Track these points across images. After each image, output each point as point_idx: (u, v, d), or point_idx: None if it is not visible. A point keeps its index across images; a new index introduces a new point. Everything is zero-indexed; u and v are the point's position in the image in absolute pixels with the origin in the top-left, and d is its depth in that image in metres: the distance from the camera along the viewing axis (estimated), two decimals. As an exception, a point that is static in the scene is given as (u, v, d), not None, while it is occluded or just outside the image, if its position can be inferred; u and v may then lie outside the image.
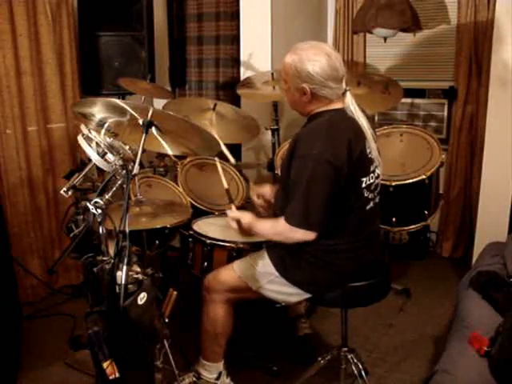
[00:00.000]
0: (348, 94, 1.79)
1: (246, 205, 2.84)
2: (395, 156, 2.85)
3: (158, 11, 3.56)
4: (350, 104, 1.79)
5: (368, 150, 1.82)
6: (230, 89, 3.73)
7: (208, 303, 2.04)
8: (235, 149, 3.68)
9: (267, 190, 2.15)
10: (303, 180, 1.70)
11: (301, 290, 1.89)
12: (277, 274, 1.89)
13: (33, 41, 2.87)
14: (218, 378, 2.11)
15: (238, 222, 1.95)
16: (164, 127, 1.75)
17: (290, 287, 1.89)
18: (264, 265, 1.93)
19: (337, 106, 1.81)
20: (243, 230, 1.96)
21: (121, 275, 1.48)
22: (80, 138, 1.77)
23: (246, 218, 1.93)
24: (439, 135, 3.51)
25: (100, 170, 2.05)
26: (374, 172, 1.85)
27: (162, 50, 3.99)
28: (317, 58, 1.72)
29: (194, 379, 2.12)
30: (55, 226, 3.13)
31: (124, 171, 1.64)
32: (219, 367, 2.11)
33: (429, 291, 3.15)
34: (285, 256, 1.88)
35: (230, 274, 2.00)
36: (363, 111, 1.86)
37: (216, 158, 2.35)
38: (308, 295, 1.92)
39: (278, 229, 1.80)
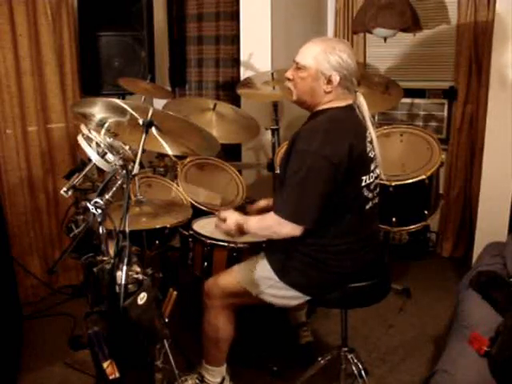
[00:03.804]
0: (359, 94, 1.83)
1: (246, 205, 2.84)
2: (395, 156, 2.85)
3: (158, 11, 3.56)
4: (362, 102, 1.82)
5: (369, 149, 1.82)
6: (230, 89, 3.73)
7: (209, 309, 2.03)
8: (235, 149, 3.69)
9: (265, 203, 2.17)
10: (298, 174, 1.70)
11: (301, 293, 1.88)
12: (276, 278, 1.88)
13: (33, 41, 2.87)
14: (221, 383, 2.10)
15: (225, 221, 1.94)
16: (164, 127, 1.75)
17: (289, 291, 1.88)
18: (263, 269, 1.92)
19: (345, 102, 1.82)
20: (234, 229, 1.93)
21: (121, 275, 1.48)
22: (80, 138, 1.77)
23: (233, 216, 1.93)
24: (439, 135, 3.51)
25: (100, 170, 2.05)
26: (373, 171, 1.85)
27: (162, 49, 3.99)
28: (346, 52, 1.76)
29: (197, 381, 2.12)
30: (55, 226, 3.13)
31: (124, 171, 1.64)
32: (222, 372, 2.11)
33: (429, 291, 3.15)
34: (284, 260, 1.87)
35: (229, 279, 1.98)
36: None
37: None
38: (308, 298, 1.91)
39: (265, 222, 1.80)
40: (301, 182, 1.69)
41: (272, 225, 1.76)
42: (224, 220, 1.95)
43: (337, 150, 1.69)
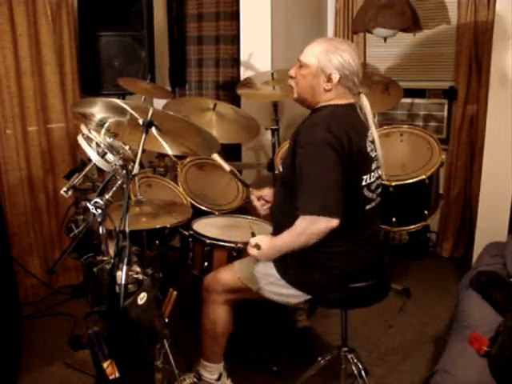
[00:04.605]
0: (363, 95, 1.85)
1: (246, 204, 2.84)
2: (395, 156, 2.85)
3: (158, 11, 3.56)
4: (365, 104, 1.84)
5: (369, 149, 1.83)
6: (230, 89, 3.73)
7: (208, 304, 2.04)
8: (235, 149, 3.69)
9: (267, 192, 2.15)
10: (311, 167, 1.69)
11: (301, 292, 1.88)
12: (277, 275, 1.88)
13: (33, 41, 2.87)
14: (218, 379, 2.10)
15: (258, 246, 1.88)
16: (164, 127, 1.75)
17: (289, 289, 1.88)
18: (265, 266, 1.92)
19: (346, 101, 1.83)
20: (272, 252, 1.88)
21: (121, 275, 1.48)
22: (80, 138, 1.77)
23: (265, 239, 1.89)
24: (439, 135, 3.51)
25: (100, 170, 2.05)
26: (374, 171, 1.85)
27: (162, 49, 3.99)
28: (350, 53, 1.77)
29: (195, 380, 2.12)
30: (55, 226, 3.13)
31: (124, 171, 1.64)
32: (220, 368, 2.11)
33: (429, 291, 3.15)
34: (286, 258, 1.86)
35: (229, 274, 1.99)
36: None
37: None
38: (308, 297, 1.91)
39: (298, 228, 1.72)
40: (316, 174, 1.68)
41: (305, 226, 1.70)
42: (257, 246, 1.89)
43: (338, 140, 1.69)
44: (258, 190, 2.20)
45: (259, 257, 1.89)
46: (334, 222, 1.67)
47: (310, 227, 1.69)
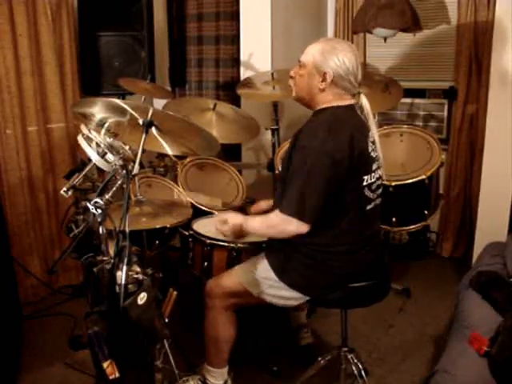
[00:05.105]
0: (362, 96, 1.85)
1: (246, 205, 2.84)
2: (395, 156, 2.85)
3: (158, 11, 3.56)
4: (365, 104, 1.84)
5: (371, 149, 1.83)
6: (230, 89, 3.73)
7: (210, 309, 2.03)
8: (235, 149, 3.69)
9: (266, 204, 2.19)
10: (301, 171, 1.71)
11: (300, 293, 1.88)
12: (276, 278, 1.88)
13: (33, 41, 2.87)
14: None
15: (226, 223, 1.94)
16: (164, 127, 1.75)
17: (289, 291, 1.88)
18: (263, 270, 1.92)
19: (345, 102, 1.83)
20: (235, 232, 1.96)
21: (121, 275, 1.48)
22: (80, 138, 1.77)
23: (235, 217, 1.94)
24: (439, 135, 3.51)
25: (100, 170, 2.05)
26: (375, 171, 1.85)
27: (162, 49, 3.99)
28: (346, 53, 1.78)
29: (199, 383, 2.11)
30: (55, 226, 3.13)
31: (124, 171, 1.64)
32: (224, 374, 2.09)
33: (429, 291, 3.15)
34: (284, 260, 1.87)
35: (230, 279, 1.99)
36: None
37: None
38: (308, 298, 1.91)
39: (270, 221, 1.80)
40: (304, 178, 1.70)
41: (278, 223, 1.76)
42: (225, 222, 1.94)
43: (338, 147, 1.70)
44: (254, 206, 2.25)
45: (224, 233, 1.98)
46: (304, 228, 1.72)
47: (281, 225, 1.75)
